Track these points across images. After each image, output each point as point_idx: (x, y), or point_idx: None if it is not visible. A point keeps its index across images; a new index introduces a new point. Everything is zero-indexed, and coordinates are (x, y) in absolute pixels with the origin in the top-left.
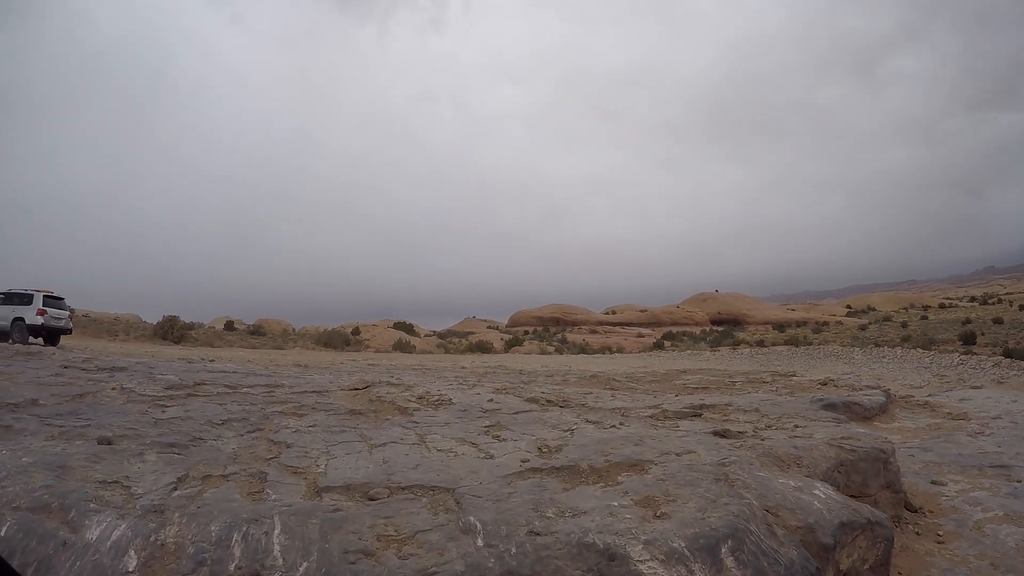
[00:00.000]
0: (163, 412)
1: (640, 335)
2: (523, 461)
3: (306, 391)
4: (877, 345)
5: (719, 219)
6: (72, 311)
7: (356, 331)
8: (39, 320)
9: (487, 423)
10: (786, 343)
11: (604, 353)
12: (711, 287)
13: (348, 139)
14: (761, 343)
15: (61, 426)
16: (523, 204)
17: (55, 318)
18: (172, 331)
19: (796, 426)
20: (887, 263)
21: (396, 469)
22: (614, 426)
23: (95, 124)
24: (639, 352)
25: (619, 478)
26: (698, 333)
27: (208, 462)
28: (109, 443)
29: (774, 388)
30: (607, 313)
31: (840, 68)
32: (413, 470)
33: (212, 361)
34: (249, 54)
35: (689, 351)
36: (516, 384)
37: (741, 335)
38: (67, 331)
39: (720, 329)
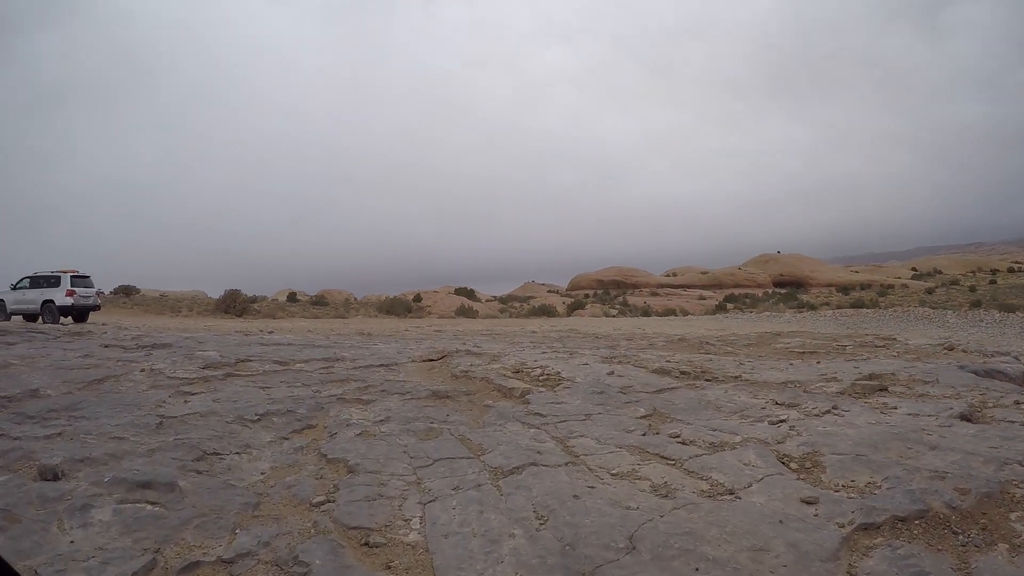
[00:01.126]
0: (185, 402)
1: (702, 297)
2: (807, 502)
3: (371, 365)
4: (974, 307)
5: (781, 177)
6: (100, 291)
7: (418, 298)
8: (68, 301)
9: (640, 412)
10: (852, 306)
11: (668, 317)
12: (773, 248)
13: (401, 109)
14: (827, 305)
15: (18, 437)
16: (580, 166)
17: (83, 297)
18: (235, 305)
19: (1017, 402)
20: (953, 223)
21: (581, 547)
22: (843, 414)
23: (155, 109)
24: (701, 315)
25: None
26: (760, 295)
27: (202, 523)
28: (53, 477)
29: (895, 353)
30: (668, 275)
31: (902, 17)
32: (620, 553)
33: (271, 332)
34: (296, 31)
35: (768, 312)
36: (611, 352)
37: (804, 297)
38: (96, 308)
39: (783, 291)
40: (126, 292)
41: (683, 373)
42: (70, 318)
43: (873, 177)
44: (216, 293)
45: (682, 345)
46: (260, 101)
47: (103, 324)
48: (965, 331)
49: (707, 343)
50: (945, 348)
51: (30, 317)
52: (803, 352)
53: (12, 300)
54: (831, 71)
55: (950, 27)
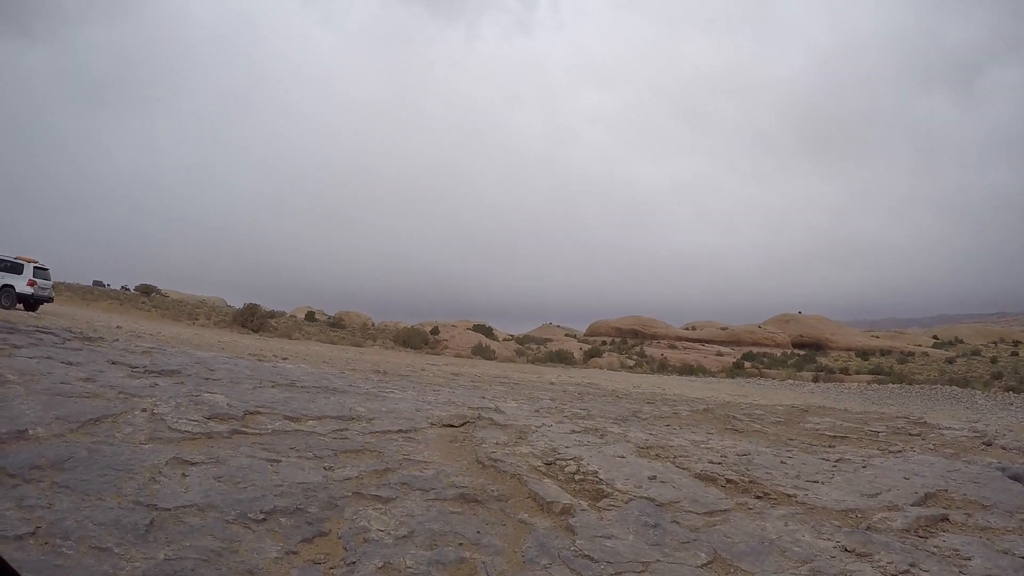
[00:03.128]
0: (183, 476)
1: (720, 353)
2: None
3: (388, 430)
4: (990, 383)
5: (806, 234)
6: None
7: (435, 330)
8: (29, 290)
9: (700, 559)
10: (870, 372)
11: (688, 377)
12: (794, 307)
13: (435, 138)
14: (846, 371)
15: None
16: (607, 209)
17: (42, 288)
18: (252, 319)
19: None
20: (976, 290)
21: None
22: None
23: (192, 112)
24: (718, 372)
25: None
26: (779, 355)
27: None
28: None
29: (931, 446)
30: (686, 328)
31: (936, 79)
32: None
33: (285, 359)
34: (340, 53)
35: (790, 380)
36: (645, 436)
37: (823, 360)
38: (49, 300)
39: (802, 353)
40: (146, 291)
41: (730, 482)
42: (21, 305)
43: (901, 237)
44: (236, 299)
45: (708, 417)
46: (297, 118)
47: (117, 327)
48: (995, 414)
49: (734, 418)
50: (983, 443)
51: None
52: (834, 436)
53: None
54: (862, 130)
55: (985, 90)
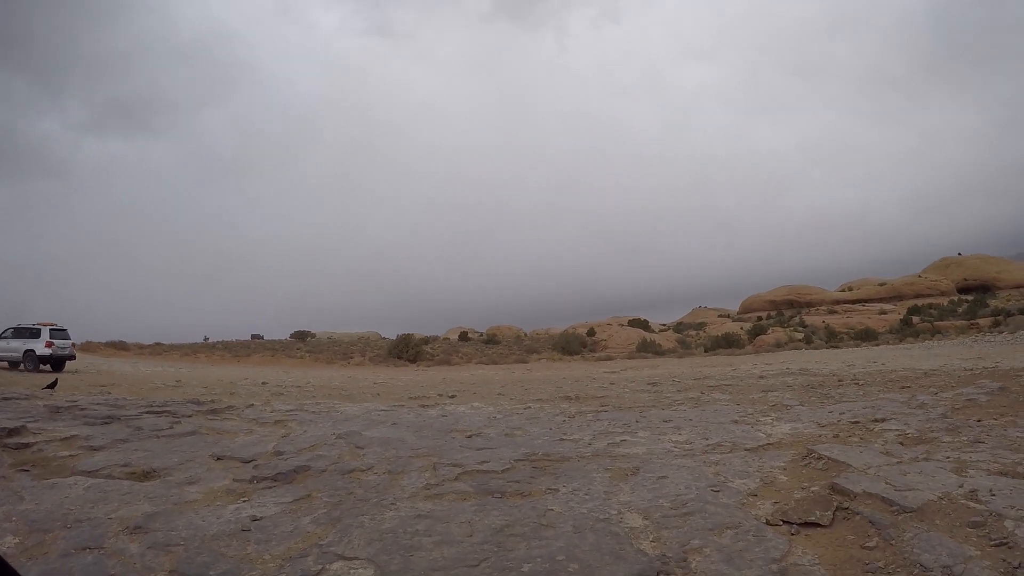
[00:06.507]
0: None
1: (882, 312)
2: None
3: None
4: None
5: (953, 170)
6: (75, 343)
7: (591, 332)
8: (47, 351)
9: None
10: None
11: (864, 341)
12: (953, 250)
13: (554, 144)
14: None
15: None
16: (738, 182)
17: (60, 348)
18: (407, 350)
19: None
20: None
21: None
22: None
23: (316, 170)
24: (885, 333)
25: None
26: (946, 304)
27: None
28: None
29: None
30: (843, 290)
31: None
32: None
33: (452, 398)
34: (441, 82)
35: (974, 336)
36: None
37: (994, 302)
38: (71, 358)
39: (969, 298)
40: (301, 337)
41: None
42: (48, 366)
43: None
44: (390, 332)
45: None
46: (417, 151)
47: (263, 383)
48: None
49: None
50: None
51: (13, 364)
52: None
53: None
54: (988, 43)
55: None
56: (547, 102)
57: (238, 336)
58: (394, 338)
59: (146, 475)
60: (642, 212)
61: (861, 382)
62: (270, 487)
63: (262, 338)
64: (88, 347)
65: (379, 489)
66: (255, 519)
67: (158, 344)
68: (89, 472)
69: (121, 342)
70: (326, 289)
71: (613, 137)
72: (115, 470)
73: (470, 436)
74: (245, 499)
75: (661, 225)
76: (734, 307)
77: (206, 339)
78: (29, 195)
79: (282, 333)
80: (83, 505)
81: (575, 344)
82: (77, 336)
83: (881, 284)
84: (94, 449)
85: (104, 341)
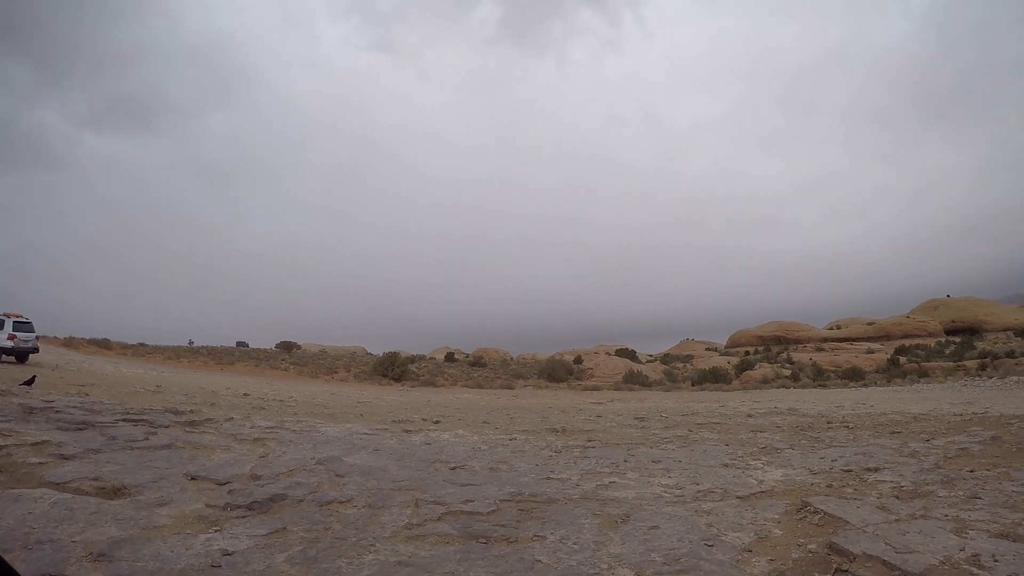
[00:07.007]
0: None
1: (870, 351)
2: None
3: None
4: None
5: (943, 211)
6: (39, 335)
7: (578, 359)
8: (8, 344)
9: None
10: None
11: (851, 386)
12: (941, 291)
13: (547, 171)
14: (1011, 354)
15: None
16: (731, 216)
17: (23, 341)
18: (392, 368)
19: None
20: None
21: None
22: None
23: (309, 184)
24: (872, 372)
25: None
26: (932, 345)
27: None
28: None
29: None
30: (831, 328)
31: None
32: None
33: (437, 423)
34: (441, 104)
35: (963, 380)
36: None
37: (981, 344)
38: (34, 351)
39: (957, 340)
40: (286, 348)
41: None
42: (13, 357)
43: None
44: (376, 348)
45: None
46: (410, 173)
47: (244, 395)
48: None
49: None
50: None
51: None
52: None
53: None
54: (983, 84)
55: None
56: (543, 128)
57: (223, 342)
58: (380, 355)
59: (116, 492)
60: (633, 240)
61: (851, 425)
62: (244, 516)
63: (247, 346)
64: (71, 343)
65: (358, 526)
66: (226, 553)
67: (142, 345)
68: (57, 484)
69: (105, 340)
70: (314, 301)
71: (606, 166)
72: (84, 483)
73: (454, 468)
74: (217, 528)
75: (650, 252)
76: (722, 340)
77: (191, 343)
78: (24, 185)
79: (268, 342)
80: (47, 524)
81: (561, 371)
82: (60, 331)
83: (869, 323)
84: (64, 458)
85: (87, 338)
